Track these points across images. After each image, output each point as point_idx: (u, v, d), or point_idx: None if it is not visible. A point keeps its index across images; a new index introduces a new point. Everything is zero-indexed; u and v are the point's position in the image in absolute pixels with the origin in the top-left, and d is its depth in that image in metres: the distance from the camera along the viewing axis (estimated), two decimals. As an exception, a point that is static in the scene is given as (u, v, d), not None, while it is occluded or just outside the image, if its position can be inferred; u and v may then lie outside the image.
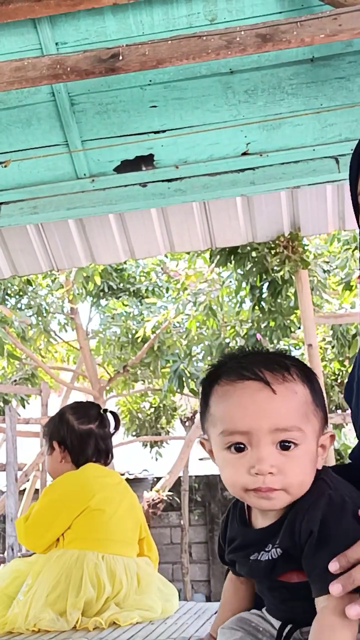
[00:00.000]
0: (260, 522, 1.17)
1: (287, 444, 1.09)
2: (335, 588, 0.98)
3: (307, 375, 1.16)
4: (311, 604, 1.04)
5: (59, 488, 2.45)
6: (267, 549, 1.14)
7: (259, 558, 1.15)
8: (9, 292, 9.21)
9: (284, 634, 1.16)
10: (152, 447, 11.25)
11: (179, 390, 8.77)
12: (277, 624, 1.20)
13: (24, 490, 9.02)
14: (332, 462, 4.98)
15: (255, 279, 5.61)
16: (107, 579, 2.28)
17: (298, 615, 1.13)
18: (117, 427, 2.70)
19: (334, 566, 1.00)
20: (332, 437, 1.17)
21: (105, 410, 2.71)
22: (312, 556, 1.05)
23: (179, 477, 10.44)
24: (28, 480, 8.78)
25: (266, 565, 1.13)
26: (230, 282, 7.68)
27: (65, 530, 2.39)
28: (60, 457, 2.54)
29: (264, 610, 1.28)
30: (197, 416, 10.34)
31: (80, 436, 2.54)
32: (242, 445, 1.10)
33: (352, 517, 1.06)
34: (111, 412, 2.75)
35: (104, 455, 2.59)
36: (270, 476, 1.08)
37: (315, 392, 1.15)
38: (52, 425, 2.60)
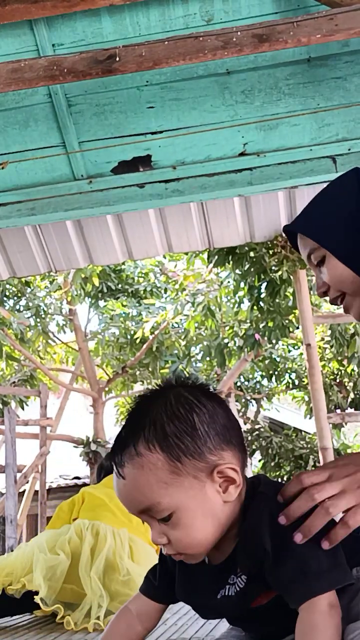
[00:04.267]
0: (216, 557, 1.13)
1: (161, 518, 1.05)
2: (297, 537, 1.01)
3: (160, 435, 1.05)
4: (291, 617, 1.02)
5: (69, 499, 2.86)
6: (231, 582, 1.10)
7: (227, 594, 1.10)
8: (7, 293, 9.21)
9: None
10: (151, 447, 11.24)
11: (178, 391, 8.76)
12: None
13: (24, 492, 9.01)
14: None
15: (253, 279, 5.61)
16: (89, 533, 2.48)
17: (279, 629, 1.12)
18: None
19: (298, 537, 1.02)
20: (231, 468, 1.06)
21: None
22: (276, 572, 1.03)
23: (179, 478, 10.43)
24: (27, 482, 8.77)
25: (237, 597, 1.09)
26: (229, 282, 7.68)
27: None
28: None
29: None
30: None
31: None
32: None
33: None
34: None
35: None
36: (167, 546, 1.06)
37: (173, 447, 1.04)
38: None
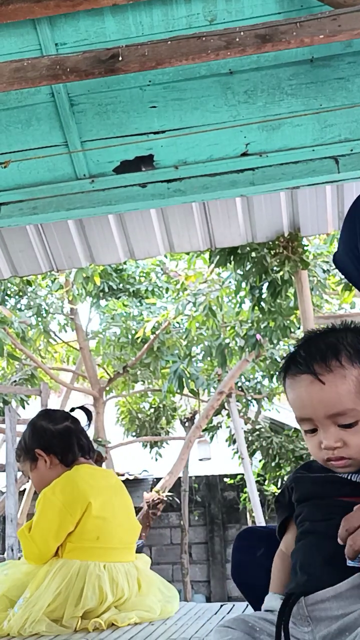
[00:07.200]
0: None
1: (345, 424, 1.24)
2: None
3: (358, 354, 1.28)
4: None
5: (58, 491, 2.36)
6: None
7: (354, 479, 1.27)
8: (8, 292, 9.20)
9: (290, 601, 1.22)
10: (152, 447, 11.25)
11: (178, 391, 8.77)
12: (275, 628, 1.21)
13: (24, 491, 9.01)
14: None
15: (254, 279, 5.61)
16: (109, 589, 2.26)
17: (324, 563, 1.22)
18: (89, 419, 2.68)
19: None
20: None
21: (73, 409, 2.72)
22: None
23: (179, 478, 10.43)
24: (28, 481, 8.77)
25: (347, 484, 1.26)
26: (230, 282, 7.67)
27: (66, 537, 2.34)
28: (48, 462, 2.48)
29: (263, 610, 1.29)
30: (197, 417, 10.34)
31: (60, 435, 2.51)
32: (312, 428, 1.28)
33: None
34: (79, 407, 2.75)
35: (87, 450, 2.56)
36: (339, 450, 1.25)
37: None
38: (27, 439, 2.55)
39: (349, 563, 1.17)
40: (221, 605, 2.53)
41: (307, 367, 1.27)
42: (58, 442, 2.50)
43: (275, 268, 5.33)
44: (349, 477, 1.27)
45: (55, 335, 10.14)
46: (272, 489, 10.03)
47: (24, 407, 9.75)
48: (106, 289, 9.39)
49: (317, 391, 1.25)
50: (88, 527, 2.34)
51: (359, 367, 1.26)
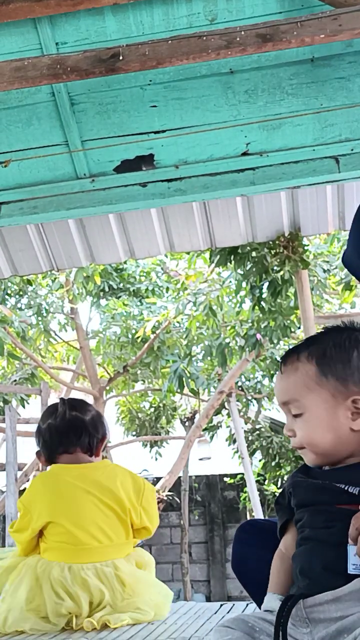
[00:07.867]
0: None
1: (294, 414, 1.34)
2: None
3: (320, 353, 1.33)
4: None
5: (27, 492, 2.48)
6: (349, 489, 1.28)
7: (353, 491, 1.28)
8: (9, 292, 9.21)
9: (287, 606, 1.22)
10: (152, 447, 11.25)
11: (179, 390, 8.77)
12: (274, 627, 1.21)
13: (24, 490, 9.01)
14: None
15: (255, 279, 5.61)
16: (79, 590, 2.22)
17: (324, 568, 1.23)
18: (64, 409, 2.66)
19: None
20: None
21: (63, 400, 2.66)
22: None
23: (179, 477, 10.44)
24: (28, 480, 8.78)
25: (343, 493, 1.27)
26: (230, 282, 7.67)
27: (42, 532, 2.38)
28: (41, 463, 2.61)
29: (262, 610, 1.29)
30: (197, 416, 10.34)
31: (44, 435, 2.52)
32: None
33: None
34: (60, 399, 2.72)
35: (73, 442, 2.49)
36: (292, 439, 1.35)
37: (325, 365, 1.31)
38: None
39: (350, 570, 1.17)
40: (221, 605, 2.53)
41: (283, 358, 1.41)
42: (42, 442, 2.53)
43: (275, 268, 5.33)
44: (346, 488, 1.28)
45: (56, 334, 10.15)
46: (272, 488, 10.04)
47: (24, 407, 9.75)
48: (106, 289, 9.39)
49: (278, 380, 1.40)
50: (54, 530, 2.34)
51: (315, 364, 1.33)
